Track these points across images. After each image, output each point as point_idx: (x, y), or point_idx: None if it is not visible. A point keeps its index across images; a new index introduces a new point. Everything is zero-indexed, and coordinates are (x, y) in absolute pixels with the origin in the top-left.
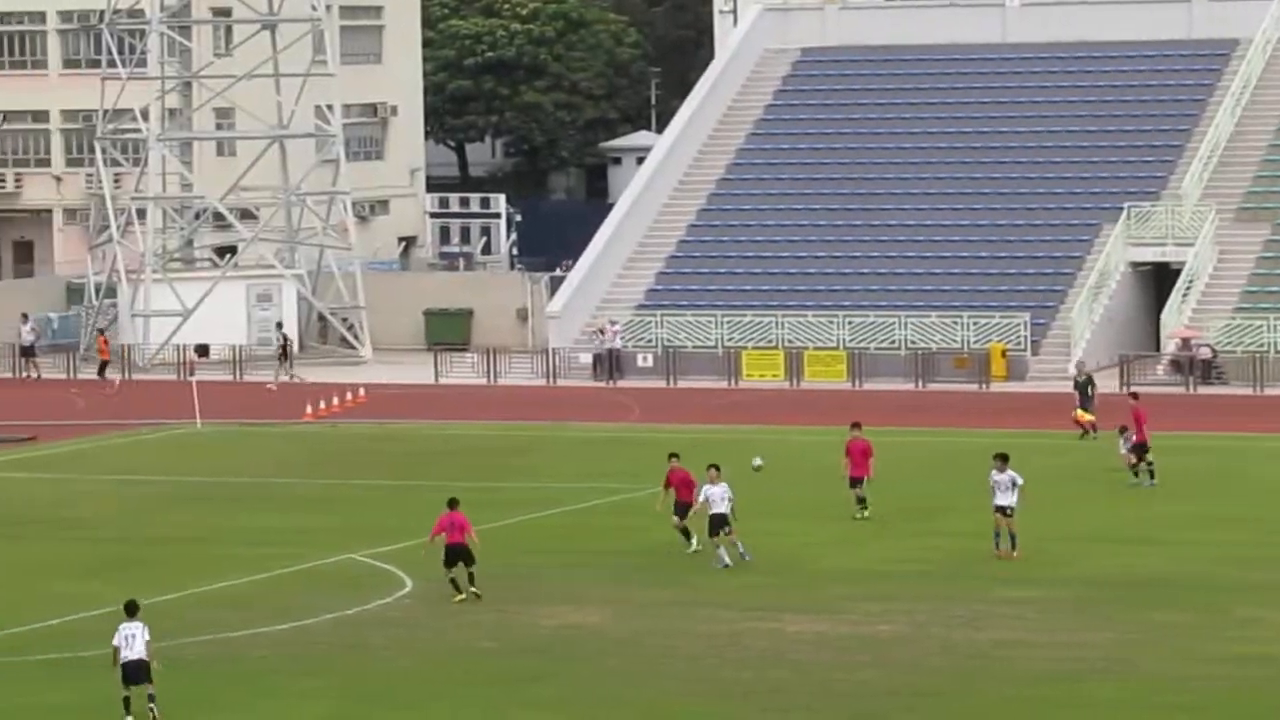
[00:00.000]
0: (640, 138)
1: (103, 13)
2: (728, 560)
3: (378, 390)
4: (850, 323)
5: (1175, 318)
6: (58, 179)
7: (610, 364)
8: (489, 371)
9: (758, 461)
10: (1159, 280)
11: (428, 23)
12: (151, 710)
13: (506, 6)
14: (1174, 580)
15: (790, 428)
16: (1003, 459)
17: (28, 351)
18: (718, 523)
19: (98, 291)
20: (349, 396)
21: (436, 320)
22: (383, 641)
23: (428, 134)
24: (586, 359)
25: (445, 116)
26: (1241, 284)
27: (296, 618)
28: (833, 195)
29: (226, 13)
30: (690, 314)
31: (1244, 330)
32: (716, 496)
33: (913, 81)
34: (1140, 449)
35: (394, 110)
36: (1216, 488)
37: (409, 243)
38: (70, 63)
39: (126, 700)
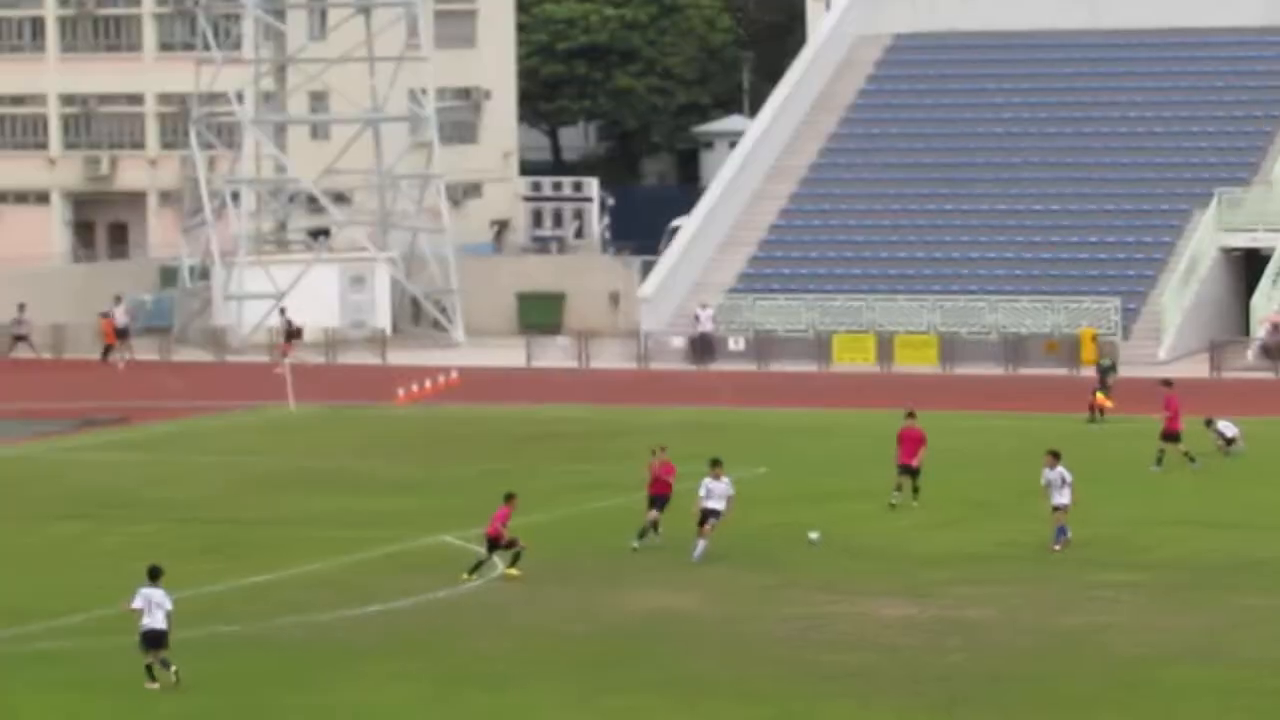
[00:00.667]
0: (732, 122)
1: None
2: (697, 556)
3: (470, 373)
4: (941, 307)
5: (1265, 303)
6: (152, 162)
7: (702, 348)
8: (581, 355)
9: (814, 536)
10: (1249, 265)
11: (521, 7)
12: (173, 671)
13: None
14: (1266, 564)
15: (880, 411)
16: (1054, 455)
17: (122, 334)
18: (707, 516)
19: (191, 274)
20: (441, 379)
21: (529, 304)
22: (472, 624)
23: (521, 118)
24: (678, 342)
25: (538, 101)
26: None
27: (386, 600)
28: (924, 180)
29: None
30: (782, 298)
31: None
32: (718, 492)
33: (1004, 67)
34: (1172, 437)
35: (487, 94)
36: None
37: (502, 226)
38: (165, 46)
39: (149, 668)
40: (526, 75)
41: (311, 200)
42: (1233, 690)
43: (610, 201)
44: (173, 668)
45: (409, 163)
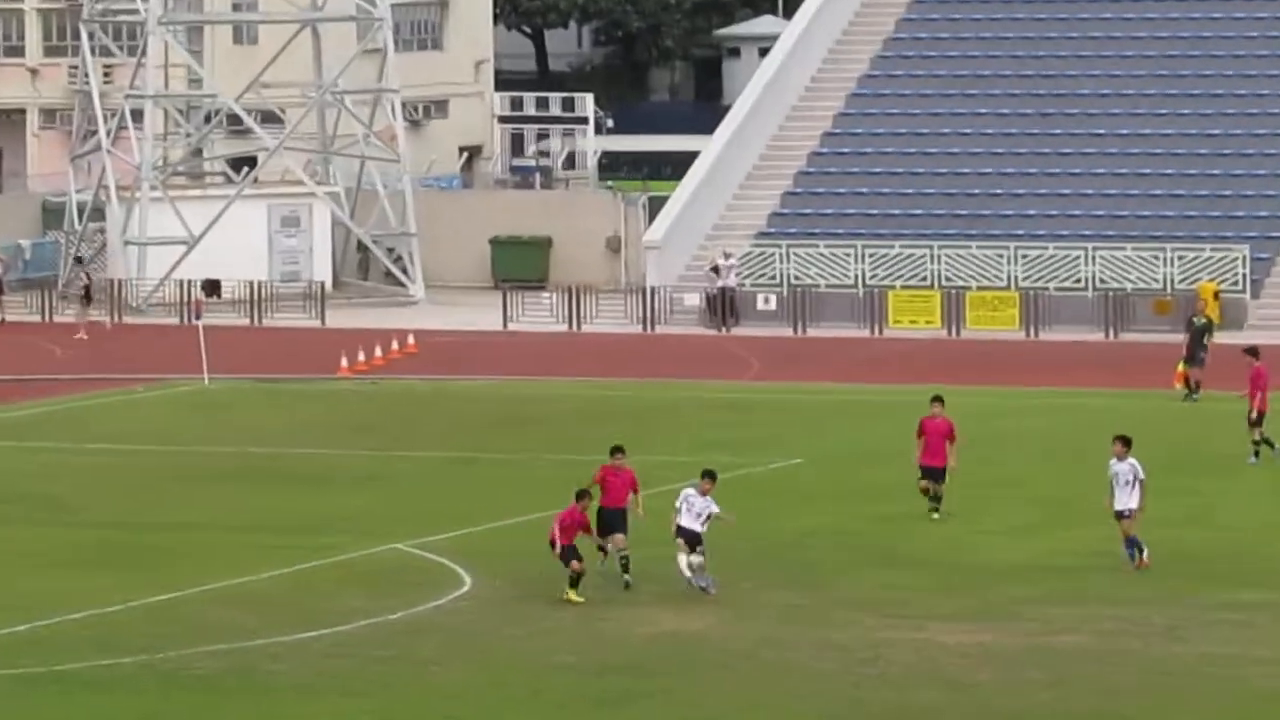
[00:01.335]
0: (763, 24)
1: None
2: (686, 573)
3: (431, 338)
4: (1024, 257)
5: None
6: (33, 72)
7: (724, 307)
8: (571, 316)
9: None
10: None
11: None
12: None
13: None
14: None
15: (947, 387)
16: (1124, 442)
17: None
18: (691, 540)
19: (81, 213)
20: (395, 346)
21: (506, 251)
22: (434, 653)
23: (497, 18)
24: (693, 300)
25: None
26: None
27: (329, 623)
28: (1003, 97)
29: None
30: (823, 245)
31: None
32: (699, 509)
33: None
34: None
35: None
36: None
37: (473, 154)
38: None
39: None
40: None
41: (234, 121)
42: None
43: (609, 123)
44: None
45: (356, 75)
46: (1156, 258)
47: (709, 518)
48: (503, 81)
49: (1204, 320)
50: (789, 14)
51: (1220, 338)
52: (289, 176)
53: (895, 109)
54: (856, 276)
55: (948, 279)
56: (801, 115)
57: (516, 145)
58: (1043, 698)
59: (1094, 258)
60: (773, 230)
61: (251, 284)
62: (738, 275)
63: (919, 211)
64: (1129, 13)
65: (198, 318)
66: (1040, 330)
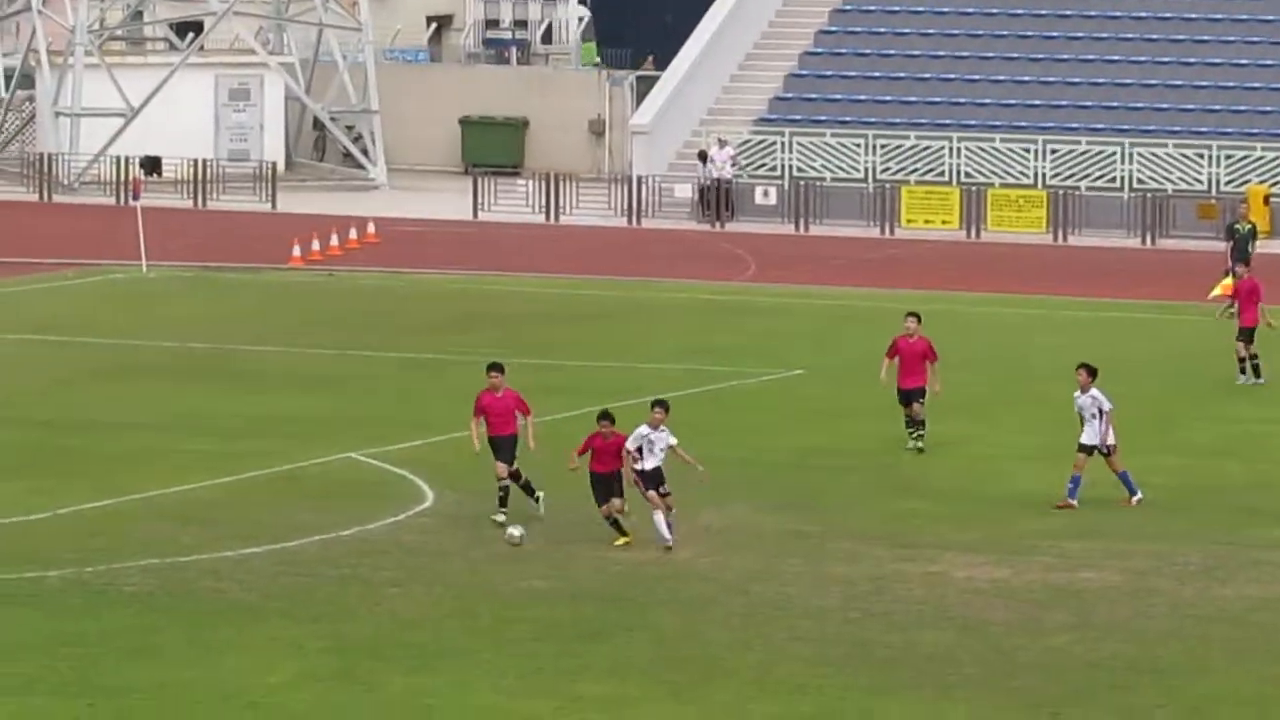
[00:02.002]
0: None
1: None
2: (667, 535)
3: (393, 227)
4: (1053, 152)
5: None
6: None
7: (718, 200)
8: (549, 206)
9: (515, 532)
10: None
11: None
12: None
13: None
14: None
15: (966, 295)
16: (1089, 371)
17: None
18: (653, 480)
19: (8, 81)
20: (353, 235)
21: (477, 133)
22: (392, 574)
23: None
24: (684, 192)
25: None
26: None
27: (273, 538)
28: None
29: None
30: (829, 134)
31: None
32: (660, 445)
33: None
34: (1246, 334)
35: None
36: None
37: (442, 24)
38: None
39: None
40: None
41: None
42: None
43: None
44: None
45: None
46: (1201, 156)
47: (667, 449)
48: None
49: (1248, 226)
50: None
51: (1269, 245)
52: (239, 44)
53: None
54: (866, 170)
55: (968, 175)
56: None
57: (491, 15)
58: (1062, 641)
59: (1131, 155)
60: (774, 116)
61: (195, 163)
62: (734, 166)
63: (937, 99)
64: None
65: (135, 198)
66: (1069, 234)
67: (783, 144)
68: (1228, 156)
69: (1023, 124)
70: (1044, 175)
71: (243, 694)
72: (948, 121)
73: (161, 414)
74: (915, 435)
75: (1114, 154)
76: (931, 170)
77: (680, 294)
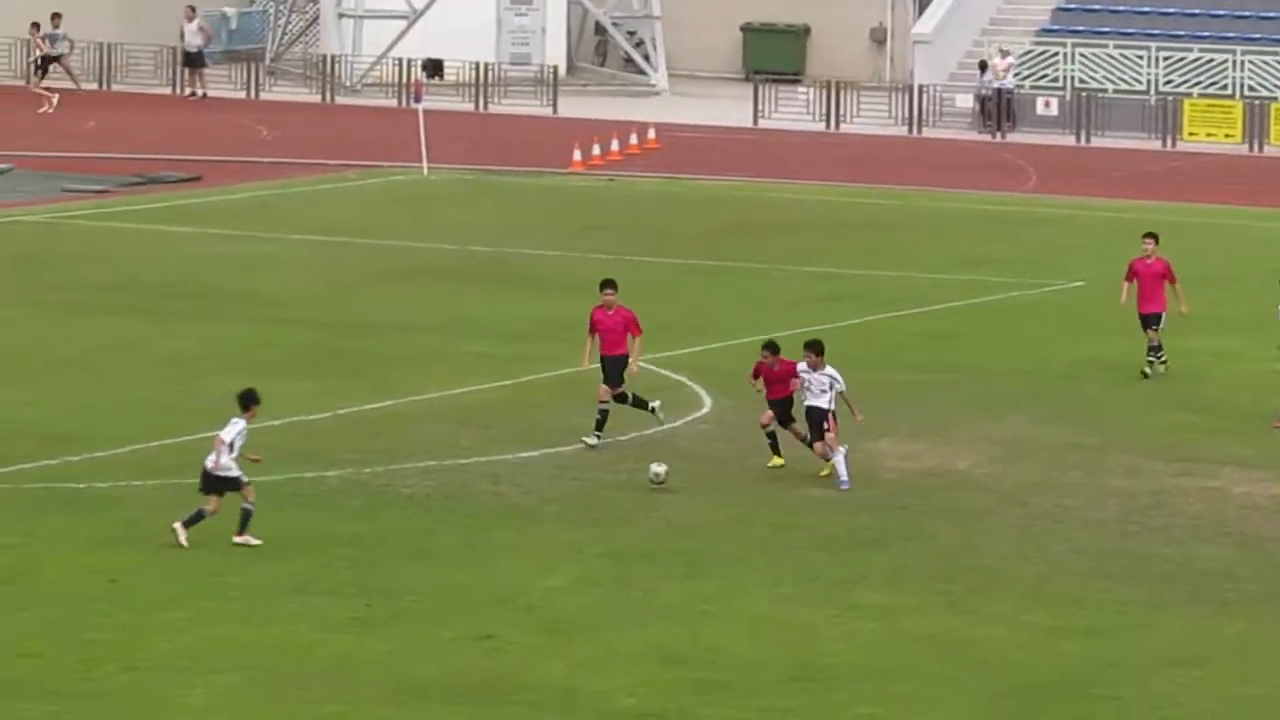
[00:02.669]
0: None
1: None
2: (844, 477)
3: (673, 133)
4: None
5: None
6: None
7: (999, 110)
8: (829, 114)
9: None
10: None
11: None
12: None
13: None
14: None
15: (1247, 209)
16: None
17: (193, 60)
18: (817, 420)
19: None
20: (634, 140)
21: (758, 39)
22: (670, 482)
23: None
24: (965, 101)
25: None
26: None
27: (551, 442)
28: None
29: None
30: (1113, 44)
31: None
32: (817, 387)
33: None
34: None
35: None
36: None
37: None
38: None
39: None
40: None
41: None
42: None
43: None
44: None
45: None
46: None
47: (838, 397)
48: None
49: None
50: None
51: None
52: None
53: None
54: (1149, 81)
55: (1251, 89)
56: None
57: None
58: None
59: None
60: (1056, 27)
61: (477, 65)
62: (1015, 75)
63: (1221, 11)
64: None
65: (417, 101)
66: None
67: (1065, 55)
68: None
69: None
70: None
71: (518, 597)
72: (1231, 35)
73: (441, 316)
74: (1151, 360)
75: None
76: (1215, 83)
77: (960, 204)
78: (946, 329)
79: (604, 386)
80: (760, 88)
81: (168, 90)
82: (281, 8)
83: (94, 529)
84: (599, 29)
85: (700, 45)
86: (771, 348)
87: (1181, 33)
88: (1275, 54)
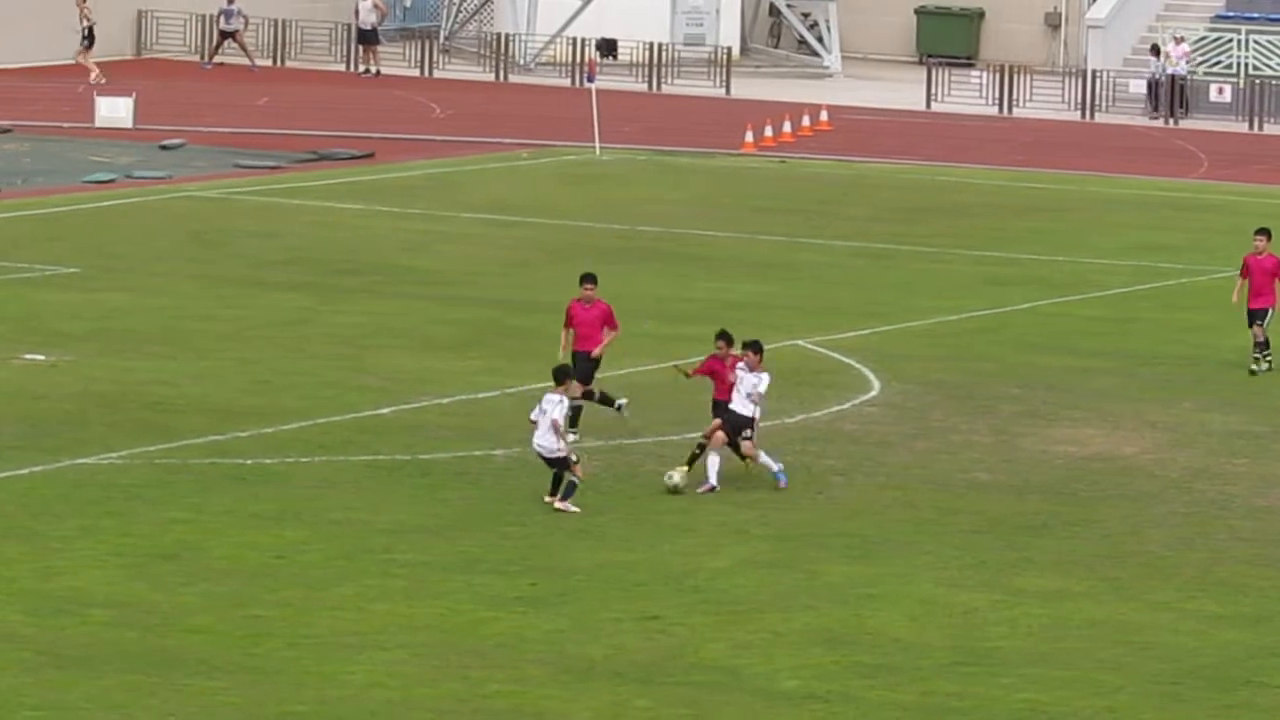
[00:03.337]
0: None
1: None
2: (713, 478)
3: (846, 115)
4: None
5: None
6: None
7: (1171, 96)
8: (1001, 97)
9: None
10: None
11: None
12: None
13: None
14: None
15: None
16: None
17: (368, 37)
18: (738, 426)
19: None
20: (806, 121)
21: (932, 22)
22: (835, 463)
23: None
24: (1137, 87)
25: None
26: None
27: None
28: None
29: None
30: None
31: None
32: (747, 387)
33: None
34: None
35: None
36: None
37: None
38: None
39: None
40: None
41: None
42: None
43: None
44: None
45: None
46: None
47: (760, 400)
48: None
49: None
50: None
51: None
52: None
53: None
54: None
55: None
56: None
57: None
58: None
59: None
60: (1232, 14)
61: (651, 46)
62: (1188, 62)
63: None
64: None
65: (590, 80)
66: None
67: (1239, 41)
68: None
69: None
70: None
71: (686, 577)
72: None
73: (610, 296)
74: (1257, 356)
75: None
76: None
77: (1131, 189)
78: (1116, 314)
79: (575, 383)
80: (933, 71)
81: (341, 67)
82: None
83: (261, 505)
84: (773, 10)
85: (874, 28)
86: (726, 338)
87: None
88: None
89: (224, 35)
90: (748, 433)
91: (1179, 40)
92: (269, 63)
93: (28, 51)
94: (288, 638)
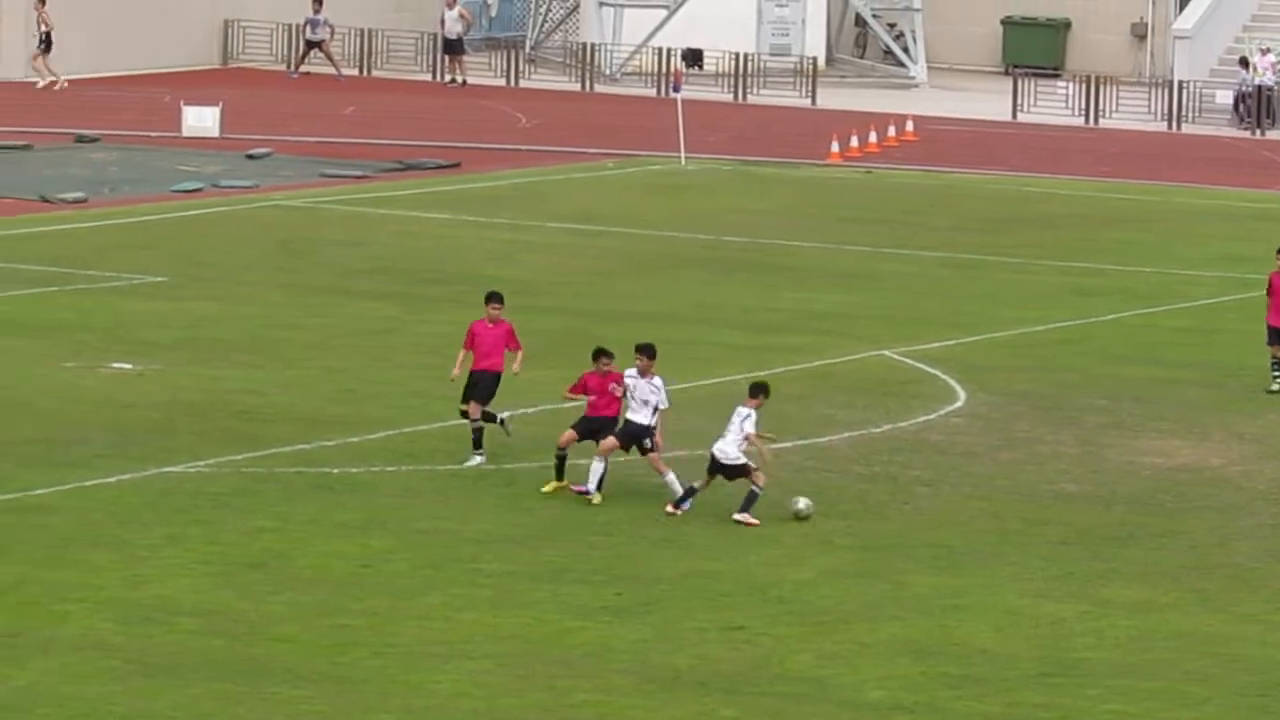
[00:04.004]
0: None
1: None
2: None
3: (932, 125)
4: None
5: None
6: None
7: (1258, 107)
8: (1088, 108)
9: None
10: None
11: None
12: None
13: None
14: None
15: None
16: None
17: (453, 47)
18: (636, 435)
19: None
20: (892, 132)
21: (1018, 33)
22: (921, 473)
23: None
24: (1224, 98)
25: None
26: None
27: (803, 433)
28: None
29: None
30: None
31: None
32: (641, 397)
33: None
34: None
35: None
36: None
37: None
38: None
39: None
40: None
41: None
42: None
43: None
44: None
45: None
46: None
47: (656, 411)
48: None
49: None
50: None
51: None
52: None
53: None
54: None
55: None
56: None
57: None
58: None
59: None
60: None
61: (737, 56)
62: (1275, 73)
63: None
64: None
65: (676, 90)
66: None
67: None
68: None
69: None
70: None
71: (770, 587)
72: None
73: (695, 306)
74: (1277, 375)
75: None
76: None
77: (1217, 201)
78: (1203, 325)
79: (475, 404)
80: (1019, 81)
81: (427, 77)
82: None
83: (347, 514)
84: (859, 21)
85: (959, 38)
86: (606, 354)
87: None
88: None
89: (310, 45)
90: (647, 442)
91: (1265, 51)
92: (355, 72)
93: (113, 60)
94: (374, 647)
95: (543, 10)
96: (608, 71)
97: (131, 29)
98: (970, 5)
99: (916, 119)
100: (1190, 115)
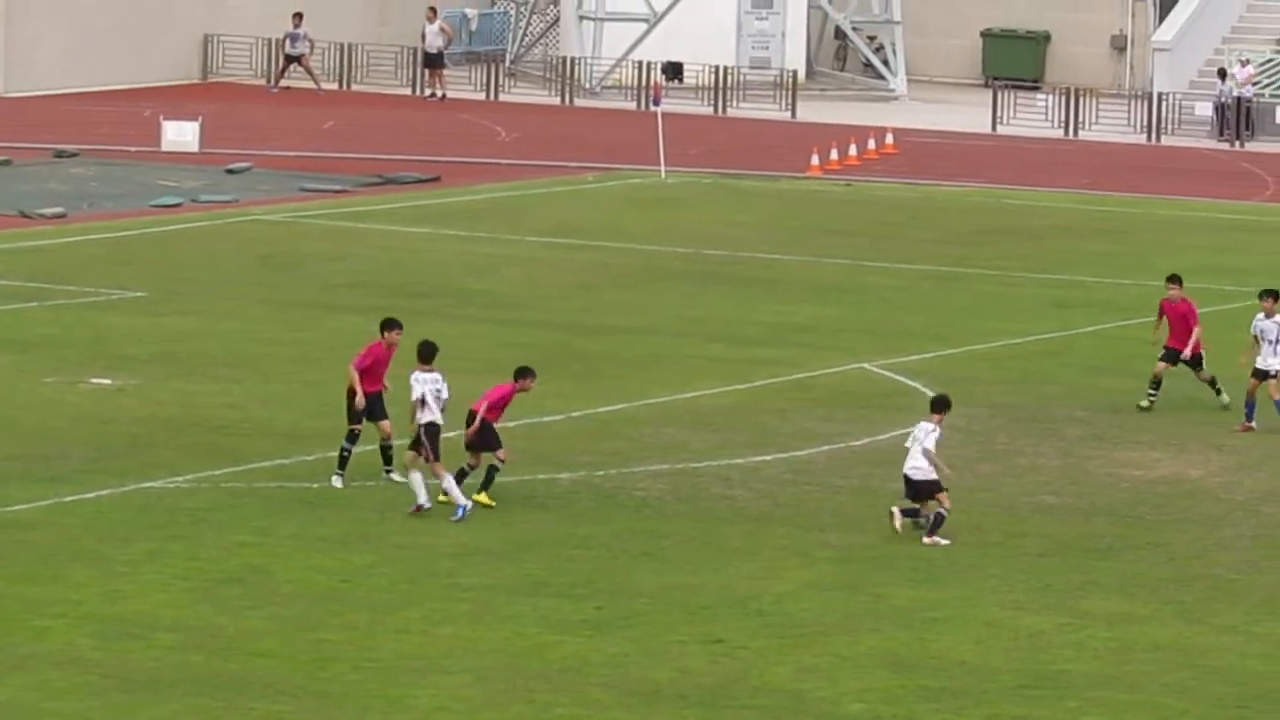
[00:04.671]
0: None
1: None
2: (422, 497)
3: (912, 138)
4: None
5: None
6: None
7: (1237, 118)
8: (1067, 120)
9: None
10: None
11: None
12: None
13: None
14: None
15: None
16: (1274, 297)
17: (433, 61)
18: (433, 434)
19: None
20: (872, 144)
21: (998, 45)
22: (899, 486)
23: None
24: (1203, 110)
25: None
26: None
27: (784, 447)
28: None
29: None
30: None
31: None
32: (429, 391)
33: None
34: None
35: None
36: None
37: None
38: None
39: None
40: None
41: None
42: None
43: None
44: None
45: None
46: None
47: (445, 405)
48: None
49: None
50: None
51: None
52: None
53: None
54: None
55: None
56: None
57: None
58: None
59: None
60: None
61: (717, 69)
62: (1255, 85)
63: None
64: None
65: (656, 103)
66: None
67: None
68: None
69: None
70: None
71: (750, 600)
72: None
73: (676, 319)
74: (1216, 390)
75: None
76: None
77: (1197, 212)
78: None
79: (385, 422)
80: (999, 94)
81: (407, 91)
82: (522, 9)
83: (327, 529)
84: (839, 34)
85: (939, 50)
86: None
87: None
88: None
89: (290, 59)
90: (422, 438)
91: (1245, 63)
92: (335, 86)
93: (93, 75)
94: (353, 661)
95: (523, 24)
96: (588, 85)
97: (111, 44)
98: (950, 18)
99: (896, 131)
100: (1170, 127)
